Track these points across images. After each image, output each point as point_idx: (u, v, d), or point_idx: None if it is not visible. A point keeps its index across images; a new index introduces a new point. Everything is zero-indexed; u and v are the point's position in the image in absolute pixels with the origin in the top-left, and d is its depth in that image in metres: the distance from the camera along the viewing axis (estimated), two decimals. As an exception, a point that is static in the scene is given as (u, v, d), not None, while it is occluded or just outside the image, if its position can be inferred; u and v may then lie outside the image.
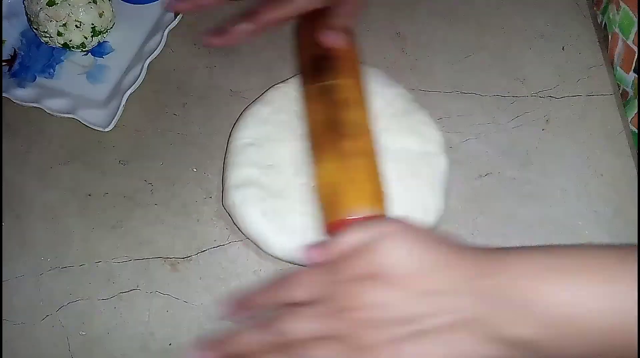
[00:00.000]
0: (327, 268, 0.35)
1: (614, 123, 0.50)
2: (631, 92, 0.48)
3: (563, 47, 0.53)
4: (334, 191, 0.42)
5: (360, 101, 0.45)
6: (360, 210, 0.41)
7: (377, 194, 0.42)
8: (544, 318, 0.30)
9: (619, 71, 0.49)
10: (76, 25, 0.53)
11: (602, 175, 0.48)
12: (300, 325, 0.33)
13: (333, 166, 0.42)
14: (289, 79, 0.51)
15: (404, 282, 0.32)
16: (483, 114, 0.51)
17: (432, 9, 0.56)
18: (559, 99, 0.51)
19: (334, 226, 0.41)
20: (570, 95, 0.52)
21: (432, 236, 0.34)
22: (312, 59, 0.46)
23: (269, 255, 0.45)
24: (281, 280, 0.36)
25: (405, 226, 0.35)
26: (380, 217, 0.41)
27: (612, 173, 0.48)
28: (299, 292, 0.35)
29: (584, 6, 0.55)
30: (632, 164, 0.48)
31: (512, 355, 0.31)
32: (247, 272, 0.46)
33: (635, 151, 0.48)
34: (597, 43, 0.53)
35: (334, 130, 0.43)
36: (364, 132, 0.44)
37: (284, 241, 0.44)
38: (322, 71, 0.45)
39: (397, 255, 0.33)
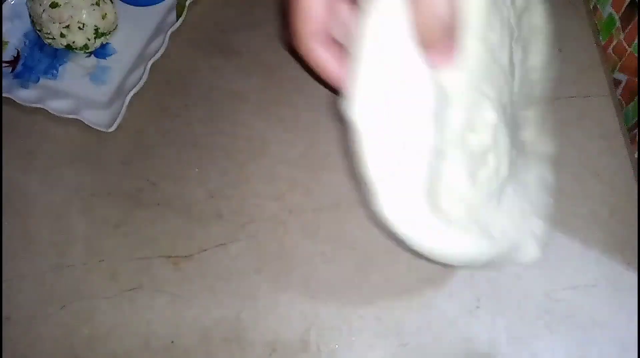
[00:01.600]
0: None
1: (610, 124, 0.51)
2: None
3: (560, 48, 0.54)
4: None
5: None
6: None
7: None
8: None
9: None
10: (79, 27, 0.53)
11: (598, 175, 0.49)
12: None
13: None
14: None
15: None
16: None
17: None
18: (556, 100, 0.52)
19: None
20: (567, 96, 0.52)
21: None
22: None
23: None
24: None
25: None
26: None
27: (608, 173, 0.49)
28: None
29: (581, 8, 0.56)
30: (629, 164, 0.49)
31: None
32: (249, 271, 0.46)
33: (631, 151, 0.49)
34: (594, 45, 0.54)
35: None
36: None
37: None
38: None
39: None
